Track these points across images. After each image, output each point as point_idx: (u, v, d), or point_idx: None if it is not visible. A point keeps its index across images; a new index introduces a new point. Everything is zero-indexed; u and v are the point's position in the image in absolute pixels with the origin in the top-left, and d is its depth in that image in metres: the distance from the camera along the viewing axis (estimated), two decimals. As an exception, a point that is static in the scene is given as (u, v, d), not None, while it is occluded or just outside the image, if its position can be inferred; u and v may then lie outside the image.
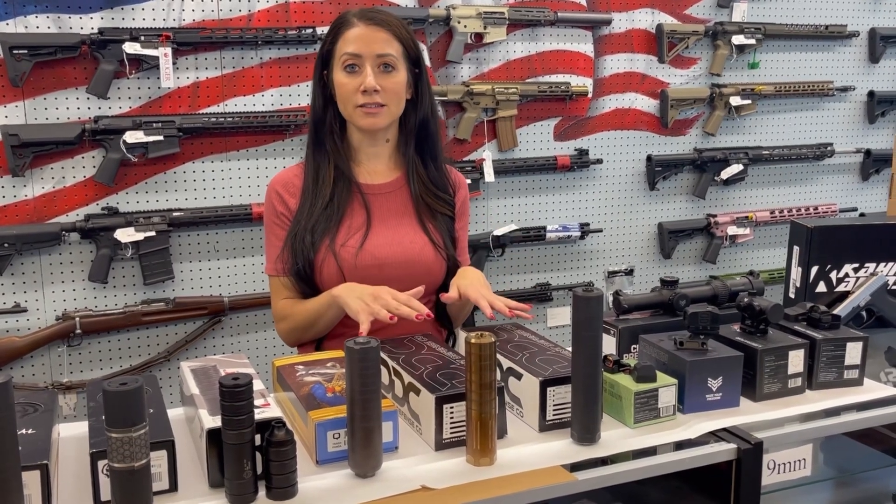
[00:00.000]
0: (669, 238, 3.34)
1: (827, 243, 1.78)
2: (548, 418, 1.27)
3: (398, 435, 1.21)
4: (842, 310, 1.72)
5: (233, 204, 2.69)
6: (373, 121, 1.67)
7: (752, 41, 3.30)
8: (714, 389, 1.34)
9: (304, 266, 1.67)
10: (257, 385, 1.16)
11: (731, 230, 3.40)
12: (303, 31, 2.66)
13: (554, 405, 1.27)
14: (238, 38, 2.60)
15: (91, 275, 2.54)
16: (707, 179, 3.36)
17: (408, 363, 1.34)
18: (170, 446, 1.07)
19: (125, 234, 2.53)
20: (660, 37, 3.21)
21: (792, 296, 1.83)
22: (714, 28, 3.27)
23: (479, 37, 2.91)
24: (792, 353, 1.40)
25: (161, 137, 2.54)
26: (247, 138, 2.71)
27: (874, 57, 3.60)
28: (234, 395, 1.03)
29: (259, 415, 1.08)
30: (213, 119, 2.61)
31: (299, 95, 2.74)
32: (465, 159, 2.99)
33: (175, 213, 2.60)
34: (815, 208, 3.54)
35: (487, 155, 2.98)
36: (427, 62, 2.88)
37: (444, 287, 1.73)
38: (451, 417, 1.21)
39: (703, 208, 3.43)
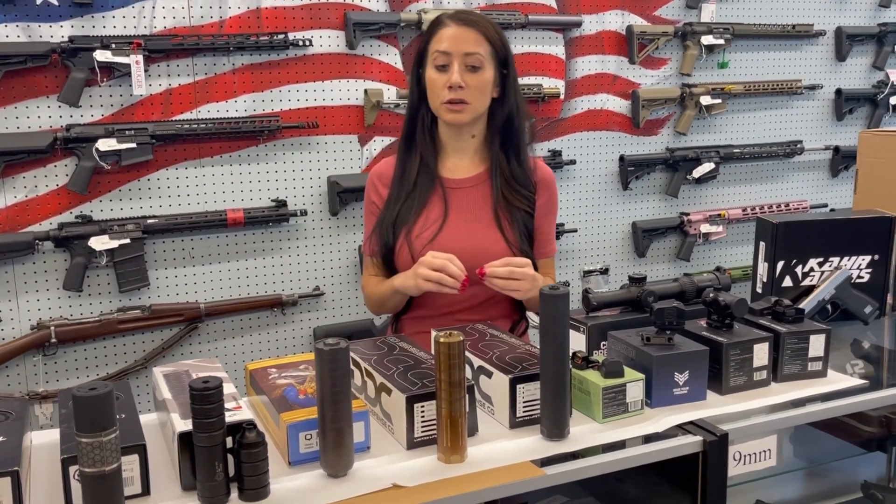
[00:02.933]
0: (643, 237, 3.37)
1: (792, 239, 1.81)
2: (518, 415, 1.29)
3: (370, 435, 1.23)
4: (807, 304, 1.75)
5: (207, 210, 2.69)
6: (456, 116, 1.78)
7: (721, 41, 3.35)
8: (681, 383, 1.36)
9: (385, 252, 1.83)
10: (228, 388, 1.17)
11: (704, 228, 3.44)
12: (275, 37, 2.67)
13: (524, 402, 1.29)
14: (210, 44, 2.60)
15: (66, 283, 2.53)
16: (679, 178, 3.40)
17: (379, 364, 1.36)
18: (141, 450, 1.08)
19: (99, 242, 2.52)
20: (630, 38, 3.24)
21: (759, 291, 1.86)
22: (683, 29, 3.32)
23: (450, 40, 2.92)
24: (757, 347, 1.42)
25: (134, 145, 2.53)
26: (220, 144, 2.71)
27: (841, 55, 3.66)
28: (204, 399, 1.03)
29: (230, 417, 1.09)
30: (186, 126, 2.61)
31: (272, 101, 2.75)
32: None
33: (149, 221, 2.60)
34: (787, 205, 3.59)
35: (461, 157, 3.00)
36: (402, 64, 2.89)
37: None
38: (422, 416, 1.22)
39: (676, 207, 3.47)
